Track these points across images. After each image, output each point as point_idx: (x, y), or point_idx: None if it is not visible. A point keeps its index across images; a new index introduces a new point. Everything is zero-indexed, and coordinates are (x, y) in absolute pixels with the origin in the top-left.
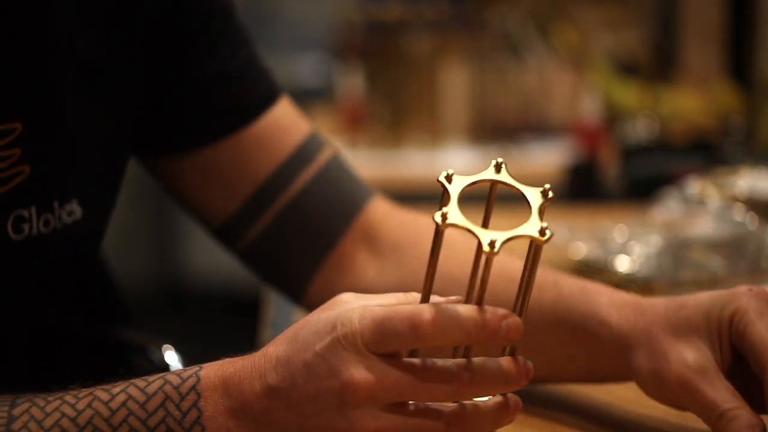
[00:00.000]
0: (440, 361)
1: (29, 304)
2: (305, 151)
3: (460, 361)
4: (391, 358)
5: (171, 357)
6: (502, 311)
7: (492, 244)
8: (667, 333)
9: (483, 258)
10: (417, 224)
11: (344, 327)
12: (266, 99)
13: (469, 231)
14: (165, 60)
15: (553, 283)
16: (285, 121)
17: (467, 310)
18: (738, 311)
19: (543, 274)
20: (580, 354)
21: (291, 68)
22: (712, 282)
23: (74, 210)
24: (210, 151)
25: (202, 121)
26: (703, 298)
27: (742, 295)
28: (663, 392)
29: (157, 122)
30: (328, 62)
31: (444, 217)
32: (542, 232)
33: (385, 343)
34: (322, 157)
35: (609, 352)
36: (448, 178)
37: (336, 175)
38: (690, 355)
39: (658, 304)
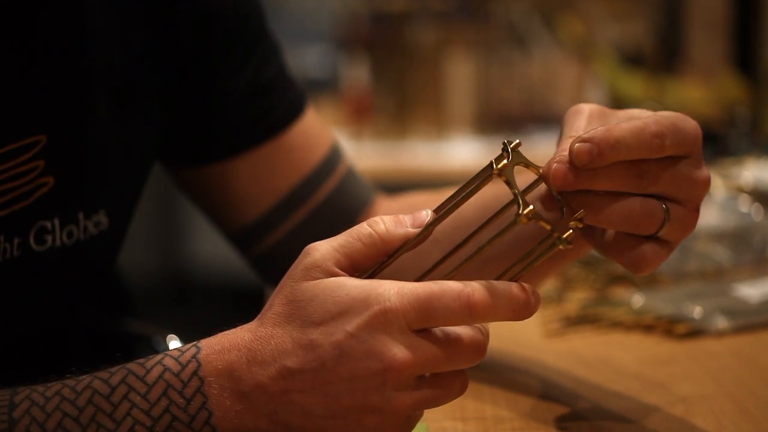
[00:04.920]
0: (461, 330)
1: (46, 308)
2: (329, 163)
3: (480, 328)
4: (424, 332)
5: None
6: (530, 286)
7: (568, 239)
8: None
9: (548, 244)
10: (410, 207)
11: (381, 305)
12: (294, 111)
13: (545, 225)
14: (197, 74)
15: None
16: (312, 133)
17: (512, 287)
18: None
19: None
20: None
21: (297, 59)
22: (717, 273)
23: (101, 220)
24: (236, 162)
25: (229, 134)
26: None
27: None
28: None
29: (184, 133)
30: (334, 53)
31: (529, 212)
32: (567, 239)
33: (433, 321)
34: (342, 168)
35: None
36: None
37: (351, 182)
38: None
39: None
